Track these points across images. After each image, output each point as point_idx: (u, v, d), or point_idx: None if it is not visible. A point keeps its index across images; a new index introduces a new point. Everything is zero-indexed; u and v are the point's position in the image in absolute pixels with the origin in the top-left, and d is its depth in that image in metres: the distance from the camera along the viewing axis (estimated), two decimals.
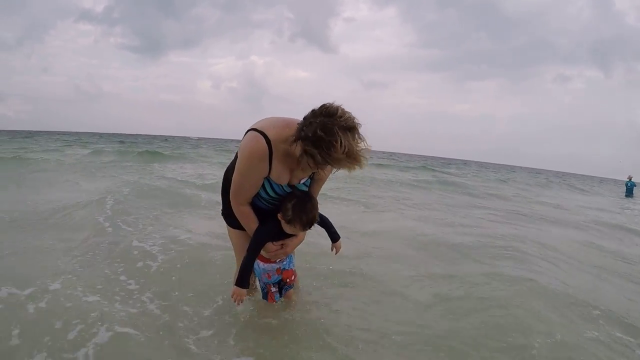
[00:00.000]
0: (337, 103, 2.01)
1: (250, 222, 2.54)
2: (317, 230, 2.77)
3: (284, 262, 2.79)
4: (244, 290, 2.52)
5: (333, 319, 2.97)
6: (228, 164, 2.69)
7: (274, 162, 2.31)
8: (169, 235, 4.77)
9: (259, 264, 2.74)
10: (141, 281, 3.41)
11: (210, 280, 3.49)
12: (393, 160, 41.75)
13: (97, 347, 2.38)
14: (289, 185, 2.47)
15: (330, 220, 2.82)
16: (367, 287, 3.65)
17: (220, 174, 2.89)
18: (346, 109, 2.01)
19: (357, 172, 2.07)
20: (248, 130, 2.32)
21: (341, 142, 1.92)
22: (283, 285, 2.88)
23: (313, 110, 2.04)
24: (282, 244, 2.63)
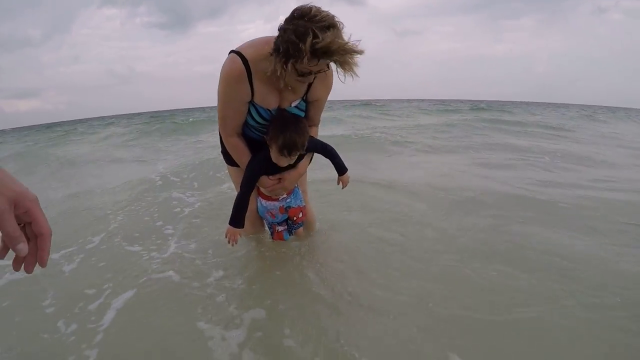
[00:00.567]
0: (312, 4, 1.76)
1: (242, 154, 2.37)
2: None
3: (289, 199, 2.62)
4: (238, 230, 2.34)
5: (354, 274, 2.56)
6: None
7: (255, 83, 2.10)
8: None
9: (261, 202, 2.61)
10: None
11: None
12: (439, 105, 39.63)
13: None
14: (280, 109, 2.27)
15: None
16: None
17: None
18: (322, 8, 1.76)
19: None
20: None
21: (315, 35, 1.69)
22: (292, 224, 2.74)
23: (285, 18, 1.80)
24: (279, 178, 2.44)
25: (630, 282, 2.41)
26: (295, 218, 2.69)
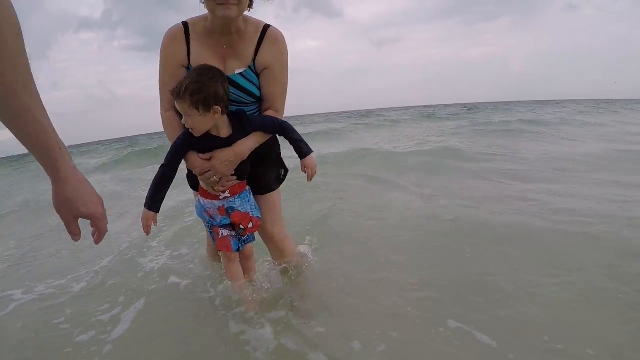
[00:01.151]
0: None
1: (175, 130, 1.99)
2: None
3: (232, 199, 2.10)
4: (152, 214, 1.91)
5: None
6: None
7: (193, 43, 1.95)
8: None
9: (199, 199, 2.17)
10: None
11: None
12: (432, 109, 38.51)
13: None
14: None
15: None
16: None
17: None
18: None
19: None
20: None
21: None
22: (240, 234, 2.21)
23: None
24: (210, 157, 1.96)
25: None
26: (242, 225, 2.15)
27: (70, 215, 1.11)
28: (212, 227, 2.22)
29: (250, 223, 2.17)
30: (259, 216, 2.21)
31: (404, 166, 6.78)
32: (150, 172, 9.30)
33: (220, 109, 1.84)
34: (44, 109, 0.99)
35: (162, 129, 2.03)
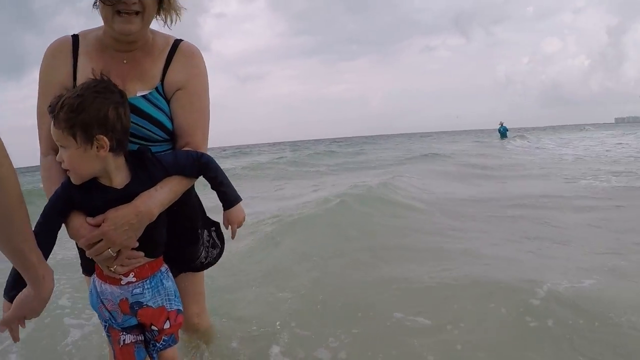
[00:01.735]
0: None
1: (54, 182, 1.36)
2: None
3: (139, 288, 1.41)
4: (7, 304, 1.26)
5: None
6: None
7: (82, 58, 1.47)
8: None
9: (95, 282, 1.44)
10: None
11: None
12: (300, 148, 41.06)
13: None
14: None
15: None
16: None
17: None
18: None
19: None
20: None
21: None
22: (151, 339, 1.48)
23: None
24: (103, 219, 1.30)
25: None
26: (153, 326, 1.45)
27: (33, 314, 1.24)
28: (109, 329, 1.46)
29: (168, 322, 1.47)
30: (180, 308, 1.51)
31: None
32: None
33: (107, 142, 1.25)
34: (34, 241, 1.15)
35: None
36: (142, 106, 1.45)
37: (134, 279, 1.39)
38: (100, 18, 1.42)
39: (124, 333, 1.44)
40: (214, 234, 1.71)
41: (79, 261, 1.57)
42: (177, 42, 1.56)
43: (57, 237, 1.30)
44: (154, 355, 1.49)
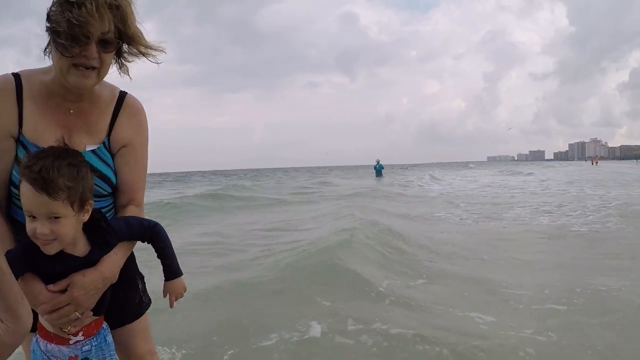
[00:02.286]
0: None
1: (3, 242, 1.29)
2: None
3: (87, 346, 1.41)
4: None
5: None
6: None
7: (28, 104, 1.39)
8: None
9: (38, 343, 1.40)
10: None
11: None
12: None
13: None
14: None
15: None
16: None
17: None
18: None
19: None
20: None
21: None
22: None
23: None
24: (68, 285, 1.29)
25: None
26: None
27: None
28: None
29: None
30: None
31: None
32: None
33: (91, 207, 1.29)
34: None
35: None
36: (92, 161, 1.40)
37: (82, 337, 1.38)
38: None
39: None
40: (140, 281, 1.69)
41: None
42: (122, 95, 1.54)
43: None
44: None
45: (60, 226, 1.21)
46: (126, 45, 1.41)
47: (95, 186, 1.36)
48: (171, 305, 1.53)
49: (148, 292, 1.69)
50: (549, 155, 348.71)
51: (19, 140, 1.37)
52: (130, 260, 1.58)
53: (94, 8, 1.22)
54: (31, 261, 1.24)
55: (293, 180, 33.62)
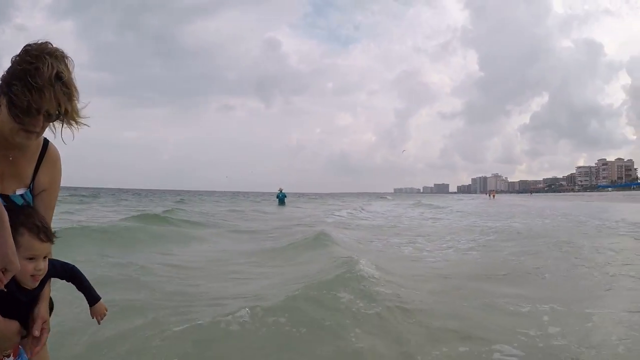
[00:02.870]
0: None
1: None
2: None
3: None
4: None
5: None
6: None
7: None
8: None
9: None
10: None
11: None
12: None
13: None
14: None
15: None
16: None
17: None
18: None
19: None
20: None
21: (49, 64, 1.51)
22: None
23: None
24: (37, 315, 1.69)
25: None
26: None
27: None
28: None
29: None
30: None
31: None
32: None
33: None
34: None
35: None
36: (21, 204, 1.69)
37: (12, 358, 1.68)
38: None
39: None
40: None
41: None
42: (45, 143, 1.78)
43: None
44: None
45: (46, 262, 1.66)
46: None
47: None
48: (99, 323, 1.93)
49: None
50: (452, 188, 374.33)
51: None
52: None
53: (51, 95, 1.51)
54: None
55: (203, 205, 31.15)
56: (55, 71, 1.52)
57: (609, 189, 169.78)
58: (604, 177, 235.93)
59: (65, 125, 1.66)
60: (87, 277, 1.89)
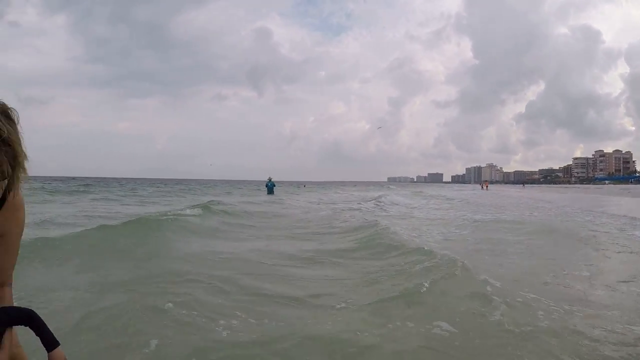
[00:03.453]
0: None
1: None
2: None
3: None
4: None
5: None
6: None
7: None
8: None
9: None
10: None
11: None
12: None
13: None
14: None
15: None
16: None
17: None
18: None
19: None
20: None
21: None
22: None
23: None
24: None
25: None
26: None
27: None
28: None
29: None
30: None
31: None
32: None
33: None
34: None
35: None
36: None
37: None
38: None
39: None
40: None
41: None
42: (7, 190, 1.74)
43: None
44: None
45: None
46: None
47: None
48: None
49: None
50: (447, 178, 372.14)
51: None
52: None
53: None
54: None
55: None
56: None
57: (606, 181, 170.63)
58: (601, 169, 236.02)
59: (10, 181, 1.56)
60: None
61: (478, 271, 5.32)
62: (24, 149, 1.51)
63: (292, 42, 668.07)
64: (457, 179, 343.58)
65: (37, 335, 1.81)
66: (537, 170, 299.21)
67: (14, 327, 1.80)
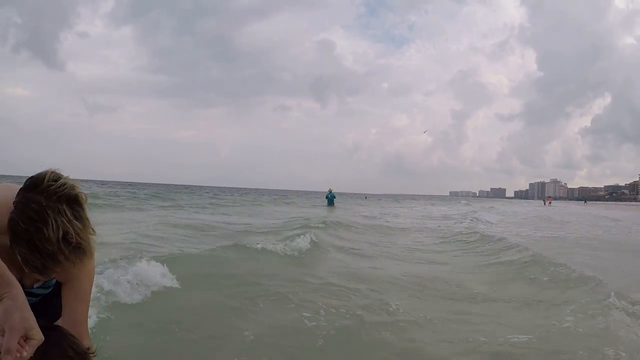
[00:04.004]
0: (52, 169, 1.46)
1: None
2: None
3: None
4: None
5: None
6: None
7: None
8: None
9: None
10: None
11: None
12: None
13: None
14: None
15: None
16: None
17: None
18: (62, 173, 1.47)
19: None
20: None
21: (53, 225, 1.35)
22: None
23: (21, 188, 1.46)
24: None
25: None
26: None
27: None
28: None
29: None
30: None
31: None
32: None
33: None
34: None
35: None
36: (37, 292, 1.71)
37: None
38: None
39: None
40: None
41: None
42: None
43: None
44: None
45: None
46: None
47: None
48: None
49: None
50: (509, 193, 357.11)
51: None
52: None
53: (64, 256, 1.40)
54: None
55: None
56: (61, 234, 1.37)
57: None
58: None
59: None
60: None
61: None
62: (90, 227, 1.48)
63: (355, 54, 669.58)
64: (520, 195, 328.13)
65: None
66: (602, 186, 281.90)
67: None
